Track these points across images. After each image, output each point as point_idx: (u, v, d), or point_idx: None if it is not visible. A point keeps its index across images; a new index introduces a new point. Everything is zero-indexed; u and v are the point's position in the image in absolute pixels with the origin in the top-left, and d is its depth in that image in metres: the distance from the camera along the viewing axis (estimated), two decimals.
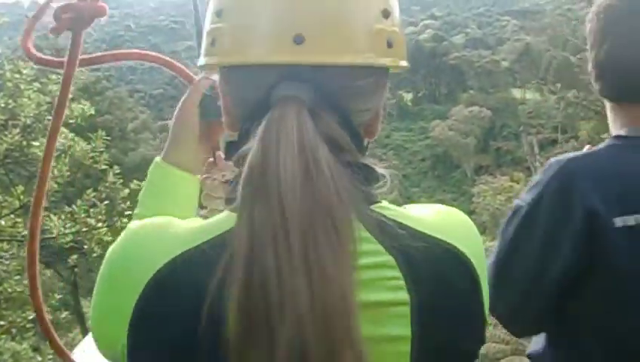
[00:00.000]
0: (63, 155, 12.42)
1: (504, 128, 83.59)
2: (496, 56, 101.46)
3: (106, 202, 13.04)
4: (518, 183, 54.22)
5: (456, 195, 77.93)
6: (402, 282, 1.07)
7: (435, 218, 1.20)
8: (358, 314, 0.97)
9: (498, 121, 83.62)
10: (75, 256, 15.07)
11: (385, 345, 1.06)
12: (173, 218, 1.16)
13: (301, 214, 0.98)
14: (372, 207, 1.14)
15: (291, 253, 0.96)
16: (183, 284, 1.04)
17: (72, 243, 12.72)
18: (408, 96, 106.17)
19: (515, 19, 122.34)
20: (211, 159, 1.72)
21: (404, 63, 1.27)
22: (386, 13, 1.18)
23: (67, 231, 12.10)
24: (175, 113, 1.71)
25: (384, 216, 1.13)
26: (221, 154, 1.70)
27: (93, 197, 12.75)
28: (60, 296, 16.53)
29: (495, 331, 17.07)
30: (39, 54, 1.72)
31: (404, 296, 1.07)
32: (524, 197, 1.96)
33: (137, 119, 71.36)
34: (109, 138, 14.14)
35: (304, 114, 1.08)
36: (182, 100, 1.71)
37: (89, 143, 13.19)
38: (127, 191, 13.77)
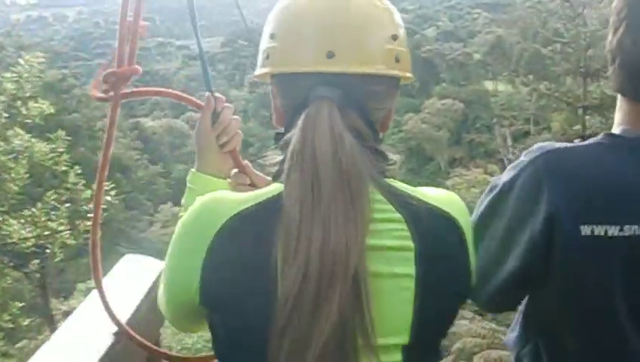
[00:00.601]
0: (20, 157, 11.95)
1: (477, 120, 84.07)
2: (468, 49, 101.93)
3: (67, 205, 12.59)
4: (491, 175, 54.46)
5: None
6: (408, 234, 1.52)
7: (435, 194, 1.67)
8: (360, 256, 1.41)
9: (471, 114, 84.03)
10: (36, 261, 14.54)
11: (394, 280, 1.51)
12: (229, 191, 1.67)
13: (330, 181, 1.44)
14: (385, 179, 1.59)
15: (315, 210, 1.42)
16: (243, 233, 1.49)
17: (33, 248, 12.24)
18: None
19: (486, 12, 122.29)
20: (235, 170, 2.19)
21: (409, 75, 1.73)
22: (395, 37, 1.67)
23: (28, 235, 11.61)
24: (194, 132, 2.17)
25: (395, 186, 1.60)
26: (248, 162, 2.24)
27: (54, 199, 12.29)
28: (23, 304, 16.21)
29: (472, 325, 17.02)
30: (99, 94, 2.23)
31: (409, 244, 1.52)
32: (503, 175, 1.88)
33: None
34: (69, 138, 13.68)
35: (334, 109, 1.55)
36: (198, 122, 2.14)
37: (49, 144, 12.75)
38: (89, 192, 13.28)
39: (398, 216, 1.52)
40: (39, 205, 12.25)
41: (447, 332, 1.69)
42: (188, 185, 2.19)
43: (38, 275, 20.08)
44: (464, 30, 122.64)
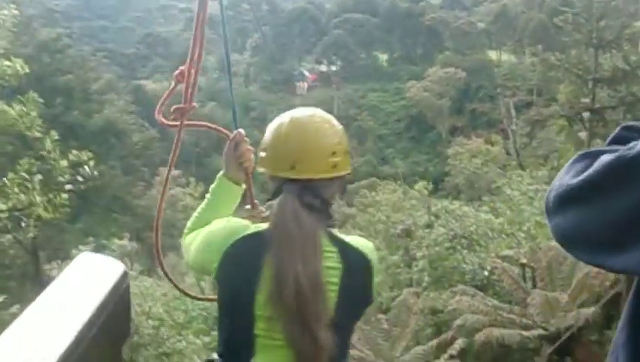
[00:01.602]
0: None
1: (479, 90, 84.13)
2: (473, 18, 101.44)
3: (39, 176, 11.57)
4: (493, 145, 54.25)
5: (430, 156, 78.77)
6: (339, 260, 2.63)
7: (357, 240, 2.77)
8: (321, 273, 2.56)
9: (473, 83, 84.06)
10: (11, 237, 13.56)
11: (329, 285, 2.58)
12: (242, 220, 2.84)
13: (297, 236, 2.57)
14: (331, 231, 2.70)
15: (293, 250, 2.55)
16: (242, 254, 2.62)
17: (6, 221, 11.38)
18: (384, 57, 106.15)
19: None
20: (248, 206, 3.39)
21: (345, 173, 2.82)
22: (334, 153, 2.72)
23: (3, 207, 10.72)
24: (224, 151, 3.20)
25: (335, 234, 2.70)
26: (256, 201, 3.40)
27: (27, 169, 11.25)
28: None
29: (473, 301, 16.61)
30: (163, 120, 3.58)
31: (339, 265, 2.62)
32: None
33: (101, 79, 68.65)
34: (41, 101, 12.49)
35: (295, 198, 2.66)
36: (226, 146, 3.20)
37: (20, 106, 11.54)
38: (65, 162, 12.25)
39: (334, 249, 2.65)
40: (10, 175, 11.16)
41: (358, 318, 2.86)
42: (210, 191, 3.16)
43: (29, 241, 19.42)
44: None
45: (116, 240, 33.44)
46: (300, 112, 2.83)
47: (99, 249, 31.10)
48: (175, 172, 63.46)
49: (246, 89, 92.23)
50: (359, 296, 2.72)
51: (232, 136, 3.21)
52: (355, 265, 2.66)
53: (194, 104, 3.50)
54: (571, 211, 1.49)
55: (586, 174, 1.45)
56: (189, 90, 3.60)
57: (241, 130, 3.26)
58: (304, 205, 2.64)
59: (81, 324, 1.79)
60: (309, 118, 2.80)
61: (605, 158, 1.43)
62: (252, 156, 3.19)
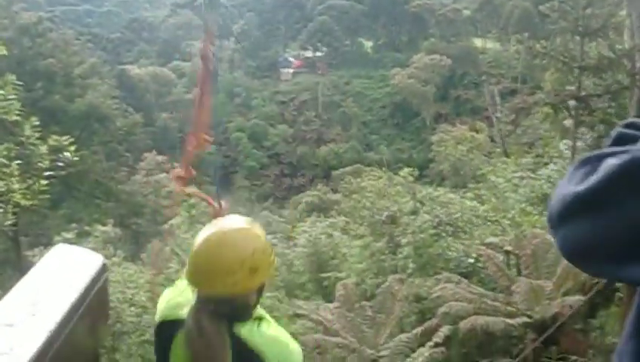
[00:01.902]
0: None
1: (464, 77, 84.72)
2: (458, 5, 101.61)
3: (17, 161, 11.27)
4: (478, 133, 54.32)
5: (415, 143, 79.20)
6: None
7: (273, 341, 2.79)
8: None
9: (458, 70, 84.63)
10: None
11: None
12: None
13: (198, 344, 2.67)
14: (234, 331, 2.74)
15: (198, 350, 2.67)
16: (158, 339, 2.92)
17: None
18: (368, 44, 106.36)
19: None
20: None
21: (243, 292, 2.80)
22: (233, 273, 2.73)
23: None
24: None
25: (239, 336, 2.74)
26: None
27: (6, 155, 10.94)
28: None
29: (458, 289, 16.57)
30: (183, 188, 4.32)
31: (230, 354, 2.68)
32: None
33: (84, 63, 67.81)
34: (19, 83, 12.08)
35: (203, 310, 2.70)
36: None
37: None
38: (44, 148, 11.92)
39: (231, 351, 2.70)
40: None
41: None
42: None
43: (9, 228, 19.02)
44: None
45: (99, 226, 33.21)
46: (208, 231, 2.84)
47: (82, 235, 30.90)
48: (159, 157, 63.36)
49: (231, 75, 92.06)
50: None
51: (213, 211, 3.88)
52: (246, 354, 2.70)
53: (193, 173, 4.25)
54: (580, 221, 1.37)
55: (593, 179, 1.33)
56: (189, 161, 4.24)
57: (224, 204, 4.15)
58: (208, 314, 2.68)
59: (59, 317, 1.69)
60: (210, 237, 2.78)
61: (613, 162, 1.32)
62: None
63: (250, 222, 2.87)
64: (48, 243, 29.37)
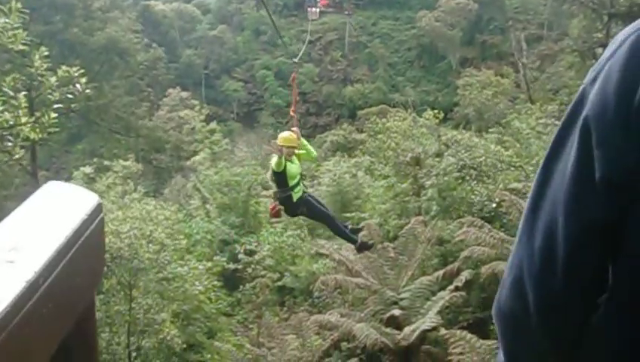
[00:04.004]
0: None
1: (490, 22, 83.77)
2: None
3: (24, 92, 10.86)
4: (503, 78, 53.80)
5: (441, 86, 78.96)
6: None
7: None
8: None
9: (485, 15, 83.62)
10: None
11: None
12: None
13: None
14: None
15: None
16: None
17: None
18: None
19: None
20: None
21: None
22: None
23: None
24: None
25: None
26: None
27: (12, 86, 10.49)
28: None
29: (480, 233, 16.45)
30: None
31: None
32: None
33: None
34: (26, 11, 11.52)
35: None
36: None
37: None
38: (53, 79, 11.47)
39: None
40: None
41: None
42: None
43: (25, 162, 18.80)
44: None
45: (120, 161, 33.14)
46: None
47: (101, 170, 30.88)
48: (184, 93, 63.09)
49: (257, 13, 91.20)
50: None
51: None
52: None
53: None
54: None
55: None
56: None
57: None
58: None
59: (39, 265, 1.49)
60: None
61: None
62: None
63: None
64: (68, 178, 29.43)
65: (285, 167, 10.67)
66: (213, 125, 52.86)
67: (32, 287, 1.40)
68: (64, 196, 1.85)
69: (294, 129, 11.26)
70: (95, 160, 34.22)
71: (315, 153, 12.73)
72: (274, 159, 10.79)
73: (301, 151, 11.44)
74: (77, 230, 1.59)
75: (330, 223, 12.33)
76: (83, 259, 1.50)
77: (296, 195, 11.20)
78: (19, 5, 10.29)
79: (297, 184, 11.21)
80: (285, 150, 10.61)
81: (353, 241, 12.43)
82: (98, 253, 1.81)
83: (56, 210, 1.75)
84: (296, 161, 11.20)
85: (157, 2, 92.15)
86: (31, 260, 1.46)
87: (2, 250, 1.44)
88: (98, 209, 1.77)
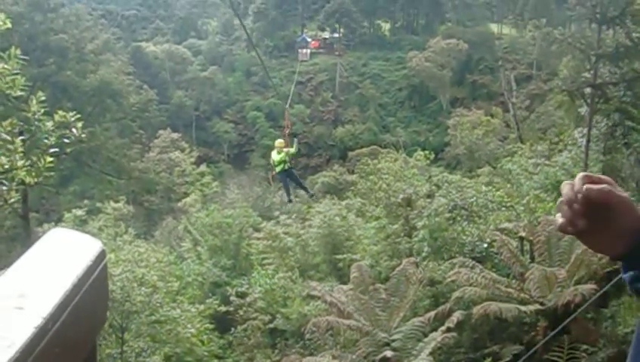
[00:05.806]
0: None
1: (480, 62, 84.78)
2: None
3: (21, 137, 10.83)
4: (493, 117, 54.28)
5: (431, 126, 79.53)
6: None
7: None
8: None
9: (475, 55, 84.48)
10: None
11: None
12: None
13: None
14: None
15: None
16: None
17: None
18: (386, 26, 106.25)
19: None
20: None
21: None
22: None
23: None
24: None
25: None
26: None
27: (10, 130, 10.45)
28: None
29: (472, 274, 16.46)
30: None
31: None
32: None
33: (97, 39, 67.22)
34: (26, 57, 11.53)
35: None
36: None
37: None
38: (50, 124, 11.40)
39: None
40: None
41: None
42: None
43: (17, 204, 18.74)
44: None
45: (111, 203, 33.17)
46: None
47: (93, 212, 30.88)
48: (174, 135, 63.17)
49: (248, 54, 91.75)
50: None
51: None
52: None
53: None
54: None
55: None
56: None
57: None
58: None
59: (47, 311, 1.54)
60: None
61: None
62: None
63: None
64: (59, 220, 29.43)
65: (277, 156, 20.51)
66: (203, 168, 52.95)
67: (40, 332, 1.45)
68: (69, 242, 1.92)
69: (285, 138, 21.33)
70: (86, 202, 34.29)
71: (292, 150, 21.59)
72: (273, 152, 20.83)
73: (287, 149, 20.84)
74: (82, 276, 1.65)
75: (295, 180, 22.25)
76: (88, 304, 1.56)
77: (280, 168, 20.90)
78: (18, 52, 10.26)
79: (280, 163, 20.67)
80: (277, 148, 20.46)
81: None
82: (102, 298, 1.87)
83: (62, 257, 1.82)
84: (282, 153, 20.60)
85: (148, 44, 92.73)
86: (39, 306, 1.52)
87: (11, 297, 1.50)
88: (102, 255, 1.83)
